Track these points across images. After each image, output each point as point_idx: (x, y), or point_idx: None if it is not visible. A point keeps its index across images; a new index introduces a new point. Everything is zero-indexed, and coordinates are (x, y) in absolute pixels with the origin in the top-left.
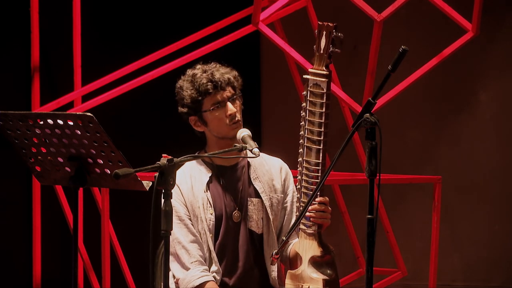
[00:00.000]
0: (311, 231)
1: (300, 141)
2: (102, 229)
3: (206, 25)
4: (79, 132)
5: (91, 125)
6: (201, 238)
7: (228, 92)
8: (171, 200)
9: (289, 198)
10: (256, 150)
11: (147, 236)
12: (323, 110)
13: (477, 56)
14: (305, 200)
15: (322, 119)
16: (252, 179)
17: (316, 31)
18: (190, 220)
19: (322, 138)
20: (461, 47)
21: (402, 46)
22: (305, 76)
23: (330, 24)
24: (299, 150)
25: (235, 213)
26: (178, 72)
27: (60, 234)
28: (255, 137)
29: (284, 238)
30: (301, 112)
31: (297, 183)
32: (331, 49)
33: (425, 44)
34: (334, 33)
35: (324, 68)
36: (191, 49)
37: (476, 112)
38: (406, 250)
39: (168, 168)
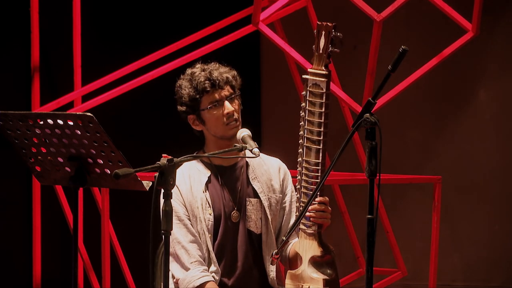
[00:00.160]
0: (311, 231)
1: (299, 141)
2: (102, 229)
3: (206, 25)
4: (79, 132)
5: (91, 125)
6: (200, 238)
7: (226, 91)
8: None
9: (287, 198)
10: (256, 150)
11: (147, 236)
12: (323, 110)
13: (477, 56)
14: (305, 200)
15: (321, 119)
16: (250, 179)
17: (315, 31)
18: (189, 220)
19: (321, 138)
20: (461, 47)
21: (402, 46)
22: (304, 76)
23: (329, 24)
24: (299, 150)
25: (233, 213)
26: (178, 72)
27: (60, 234)
28: (255, 137)
29: (284, 238)
30: (301, 112)
31: (297, 183)
32: (330, 49)
33: (425, 44)
34: (333, 33)
35: (323, 68)
36: (191, 49)
37: (476, 112)
38: (406, 250)
39: (168, 168)
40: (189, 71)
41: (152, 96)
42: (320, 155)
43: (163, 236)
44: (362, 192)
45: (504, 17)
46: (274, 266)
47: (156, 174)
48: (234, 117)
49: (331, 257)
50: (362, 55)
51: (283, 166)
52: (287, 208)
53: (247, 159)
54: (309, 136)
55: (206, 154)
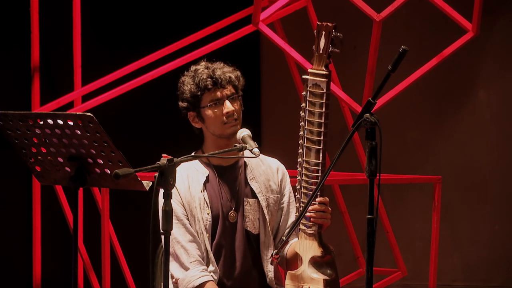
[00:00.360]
0: (311, 232)
1: (299, 141)
2: (102, 229)
3: (206, 25)
4: (79, 132)
5: (91, 125)
6: (198, 238)
7: (228, 90)
8: None
9: (285, 199)
10: (256, 150)
11: (147, 236)
12: (323, 110)
13: (477, 56)
14: (305, 200)
15: (321, 119)
16: (248, 180)
17: (315, 31)
18: (188, 220)
19: (321, 138)
20: (461, 47)
21: (402, 46)
22: (304, 77)
23: (329, 24)
24: (299, 150)
25: (231, 213)
26: (178, 72)
27: (60, 234)
28: (255, 137)
29: (284, 238)
30: (301, 112)
31: (297, 183)
32: (330, 49)
33: (425, 44)
34: (333, 33)
35: (323, 68)
36: (191, 49)
37: (476, 111)
38: (406, 250)
39: (168, 168)
40: (193, 68)
41: (152, 96)
42: (320, 155)
43: (163, 236)
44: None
45: (503, 17)
46: (273, 266)
47: (156, 174)
48: (234, 117)
49: (331, 257)
50: (362, 55)
51: (281, 167)
52: (285, 209)
53: (245, 159)
54: (309, 136)
55: (206, 154)
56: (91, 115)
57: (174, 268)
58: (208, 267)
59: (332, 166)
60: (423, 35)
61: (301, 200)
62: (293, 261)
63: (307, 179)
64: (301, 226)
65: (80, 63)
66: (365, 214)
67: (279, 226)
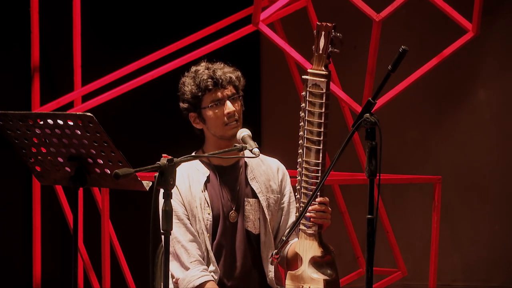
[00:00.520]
0: (312, 232)
1: (299, 142)
2: (102, 229)
3: (206, 25)
4: (79, 132)
5: (91, 125)
6: (198, 238)
7: (229, 91)
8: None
9: (286, 199)
10: (256, 150)
11: (147, 236)
12: (323, 110)
13: (477, 55)
14: (305, 201)
15: (321, 119)
16: (249, 180)
17: (315, 31)
18: (189, 220)
19: (321, 138)
20: (461, 47)
21: (402, 46)
22: (304, 77)
23: (329, 24)
24: (299, 151)
25: (231, 213)
26: (178, 72)
27: (60, 234)
28: (255, 137)
29: (284, 238)
30: (301, 112)
31: (297, 184)
32: (330, 49)
33: (425, 44)
34: (333, 33)
35: (323, 68)
36: (191, 49)
37: (476, 111)
38: (406, 250)
39: (168, 168)
40: (193, 68)
41: (152, 96)
42: (320, 155)
43: (163, 236)
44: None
45: (503, 17)
46: (273, 266)
47: (156, 174)
48: (235, 117)
49: (331, 258)
50: (362, 55)
51: (282, 167)
52: (285, 209)
53: (246, 159)
54: (309, 137)
55: (206, 154)
56: (91, 115)
57: (174, 267)
58: (208, 267)
59: (332, 166)
60: (423, 35)
61: (301, 200)
62: (293, 261)
63: (307, 179)
64: (301, 226)
65: (80, 63)
66: (365, 214)
67: (279, 226)
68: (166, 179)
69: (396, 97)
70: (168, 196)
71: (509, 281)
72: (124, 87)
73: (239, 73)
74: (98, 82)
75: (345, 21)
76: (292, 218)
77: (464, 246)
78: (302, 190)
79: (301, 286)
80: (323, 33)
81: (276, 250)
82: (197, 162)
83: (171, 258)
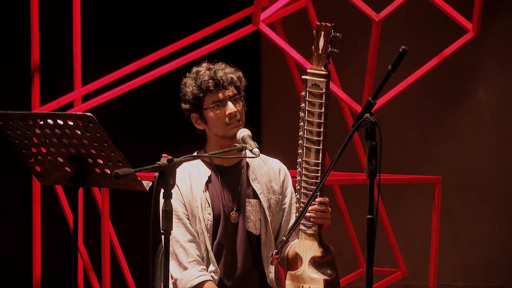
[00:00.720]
0: (311, 232)
1: (299, 142)
2: (102, 229)
3: (206, 25)
4: (79, 132)
5: (91, 125)
6: (198, 238)
7: (230, 91)
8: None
9: (287, 200)
10: (256, 150)
11: (147, 236)
12: (322, 110)
13: (477, 55)
14: (305, 201)
15: (321, 119)
16: (250, 180)
17: (314, 31)
18: (189, 220)
19: (321, 138)
20: (461, 47)
21: (402, 46)
22: (303, 77)
23: (328, 24)
24: (299, 151)
25: (232, 213)
26: (178, 72)
27: (60, 234)
28: (255, 137)
29: (284, 238)
30: (300, 112)
31: (297, 184)
32: (329, 49)
33: (425, 44)
34: (333, 33)
35: (322, 68)
36: (191, 49)
37: (476, 111)
38: (406, 250)
39: (168, 168)
40: (194, 69)
41: (152, 96)
42: (320, 155)
43: (163, 236)
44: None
45: (503, 17)
46: (273, 266)
47: (156, 174)
48: (237, 117)
49: (331, 258)
50: (362, 55)
51: (283, 168)
52: (286, 210)
53: (247, 159)
54: (309, 137)
55: (206, 154)
56: (91, 115)
57: (172, 267)
58: (208, 267)
59: (332, 166)
60: (423, 35)
61: (301, 200)
62: (294, 262)
63: (306, 179)
64: (301, 226)
65: (80, 63)
66: (365, 214)
67: (280, 227)
68: (166, 179)
69: (396, 97)
70: (168, 196)
71: (509, 281)
72: (124, 87)
73: (240, 74)
74: (98, 82)
75: (345, 21)
76: (293, 219)
77: (464, 246)
78: (302, 190)
79: (301, 286)
80: (322, 33)
81: (276, 250)
82: (198, 162)
83: (170, 258)
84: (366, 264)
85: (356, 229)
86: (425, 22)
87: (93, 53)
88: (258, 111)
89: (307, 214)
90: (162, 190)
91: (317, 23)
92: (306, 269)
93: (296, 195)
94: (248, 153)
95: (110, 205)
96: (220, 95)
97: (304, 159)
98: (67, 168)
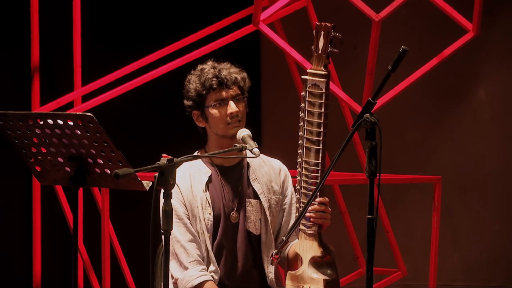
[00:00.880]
0: (311, 232)
1: (299, 142)
2: (102, 229)
3: (206, 25)
4: (79, 132)
5: (91, 125)
6: (199, 238)
7: (233, 91)
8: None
9: (287, 200)
10: (256, 150)
11: (147, 236)
12: (322, 110)
13: (477, 55)
14: (305, 201)
15: (321, 119)
16: (251, 180)
17: (314, 31)
18: (189, 220)
19: (321, 138)
20: (461, 47)
21: (402, 46)
22: (303, 77)
23: (328, 24)
24: (298, 151)
25: (233, 213)
26: (178, 72)
27: (60, 234)
28: (255, 137)
29: (284, 238)
30: (300, 112)
31: (297, 184)
32: (329, 49)
33: (425, 44)
34: (332, 33)
35: (322, 68)
36: (191, 49)
37: (476, 111)
38: (406, 250)
39: (168, 168)
40: (199, 67)
41: (152, 96)
42: (320, 155)
43: (163, 236)
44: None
45: (503, 17)
46: (273, 267)
47: (156, 174)
48: (238, 118)
49: (331, 258)
50: (362, 55)
51: (284, 168)
52: (286, 210)
53: (248, 159)
54: (309, 137)
55: (206, 155)
56: (91, 115)
57: (173, 267)
58: (208, 267)
59: (332, 166)
60: (423, 35)
61: (301, 200)
62: (294, 262)
63: (306, 179)
64: (301, 227)
65: (80, 63)
66: (365, 214)
67: (280, 227)
68: (166, 179)
69: (396, 97)
70: (168, 196)
71: (509, 281)
72: (124, 87)
73: (245, 74)
74: (98, 82)
75: (345, 21)
76: (293, 219)
77: (464, 246)
78: (302, 190)
79: (301, 286)
80: (322, 33)
81: (276, 250)
82: (199, 162)
83: (170, 257)
84: (366, 264)
85: (356, 229)
86: (425, 22)
87: (93, 53)
88: (258, 111)
89: (307, 214)
90: (162, 190)
91: (317, 23)
92: (306, 269)
93: (296, 195)
94: (248, 153)
95: (110, 205)
96: (223, 93)
97: (304, 159)
98: (67, 168)
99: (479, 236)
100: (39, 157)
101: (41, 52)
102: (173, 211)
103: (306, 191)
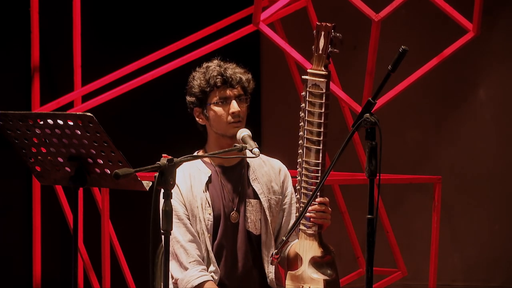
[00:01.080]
0: (312, 232)
1: (299, 142)
2: (102, 229)
3: (206, 25)
4: (79, 132)
5: (91, 125)
6: (199, 238)
7: (237, 91)
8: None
9: (287, 200)
10: (256, 150)
11: (147, 236)
12: (322, 110)
13: (477, 55)
14: (305, 201)
15: (321, 119)
16: (251, 180)
17: (315, 31)
18: (189, 220)
19: (321, 138)
20: (461, 47)
21: (402, 46)
22: (304, 77)
23: (329, 24)
24: (299, 151)
25: (233, 213)
26: (178, 72)
27: (60, 234)
28: (255, 137)
29: (284, 238)
30: (300, 112)
31: (297, 184)
32: (329, 49)
33: (425, 44)
34: (333, 33)
35: (323, 68)
36: (191, 49)
37: (476, 111)
38: (406, 250)
39: (168, 168)
40: (205, 64)
41: (152, 96)
42: (320, 155)
43: (163, 236)
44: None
45: (504, 17)
46: (273, 267)
47: (156, 174)
48: (239, 118)
49: (331, 258)
50: (362, 55)
51: (284, 168)
52: (286, 210)
53: (248, 159)
54: (309, 137)
55: (206, 155)
56: (91, 115)
57: (173, 268)
58: (208, 267)
59: (332, 166)
60: (423, 35)
61: (301, 200)
62: (294, 262)
63: (307, 179)
64: (301, 227)
65: (80, 63)
66: (365, 214)
67: (280, 227)
68: (166, 179)
69: (396, 97)
70: (168, 196)
71: (509, 281)
72: (124, 87)
73: (249, 76)
74: (98, 82)
75: (345, 21)
76: (293, 219)
77: (464, 246)
78: (302, 190)
79: (301, 286)
80: (323, 33)
81: (276, 250)
82: (199, 162)
83: (170, 258)
84: (366, 264)
85: (356, 229)
86: (425, 22)
87: (93, 53)
88: (258, 111)
89: (307, 214)
90: (162, 190)
91: (317, 23)
92: (306, 269)
93: (296, 195)
94: (248, 153)
95: (110, 205)
96: (227, 92)
97: (304, 159)
98: (67, 168)
99: (479, 236)
100: (39, 157)
101: (41, 52)
102: (173, 211)
103: (306, 191)
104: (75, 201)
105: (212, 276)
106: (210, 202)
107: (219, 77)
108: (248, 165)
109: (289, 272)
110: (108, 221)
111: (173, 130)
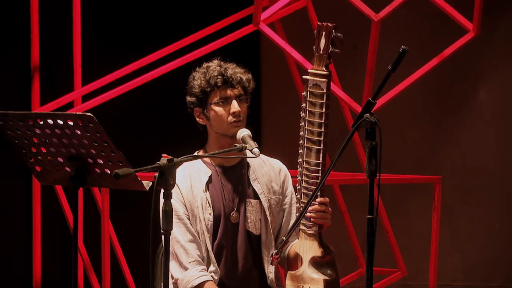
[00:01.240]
0: (312, 232)
1: (300, 142)
2: (102, 229)
3: (206, 25)
4: (79, 132)
5: (91, 125)
6: (199, 238)
7: (237, 91)
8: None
9: (287, 200)
10: (256, 150)
11: (147, 236)
12: (323, 110)
13: (477, 55)
14: (305, 201)
15: (322, 119)
16: (251, 180)
17: (316, 31)
18: (189, 220)
19: (322, 138)
20: (462, 47)
21: (402, 46)
22: (304, 77)
23: (330, 24)
24: (299, 151)
25: (233, 213)
26: (179, 72)
27: (60, 234)
28: (255, 138)
29: (284, 238)
30: (301, 112)
31: (297, 184)
32: (330, 49)
33: (425, 44)
34: (334, 33)
35: (323, 68)
36: (191, 49)
37: (476, 112)
38: (406, 250)
39: (168, 168)
40: (205, 64)
41: (152, 96)
42: (321, 155)
43: (163, 236)
44: (362, 192)
45: (504, 17)
46: (273, 267)
47: (156, 174)
48: (239, 118)
49: (331, 258)
50: (362, 55)
51: (284, 168)
52: (286, 210)
53: (248, 159)
54: (309, 137)
55: (206, 155)
56: (91, 115)
57: (173, 268)
58: (208, 267)
59: (332, 166)
60: (423, 35)
61: (301, 200)
62: (294, 262)
63: (307, 179)
64: (301, 227)
65: (80, 63)
66: (365, 214)
67: (280, 227)
68: (166, 179)
69: (396, 97)
70: (168, 196)
71: (509, 281)
72: (124, 87)
73: (250, 76)
74: (98, 82)
75: (345, 21)
76: (294, 219)
77: (464, 246)
78: (302, 190)
79: (301, 286)
80: (323, 33)
81: (276, 250)
82: (199, 162)
83: (170, 258)
84: (366, 264)
85: (356, 229)
86: (425, 22)
87: (93, 53)
88: (258, 111)
89: (307, 214)
90: (162, 190)
91: (318, 23)
92: (306, 269)
93: (296, 195)
94: (248, 153)
95: (110, 205)
96: (228, 92)
97: (304, 159)
98: (67, 168)
99: (479, 236)
100: (39, 157)
101: (41, 52)
102: (173, 211)
103: (306, 191)
104: (75, 201)
105: (212, 276)
106: (210, 202)
107: (220, 77)
108: (248, 165)
109: (289, 272)
110: (108, 221)
111: (173, 130)
